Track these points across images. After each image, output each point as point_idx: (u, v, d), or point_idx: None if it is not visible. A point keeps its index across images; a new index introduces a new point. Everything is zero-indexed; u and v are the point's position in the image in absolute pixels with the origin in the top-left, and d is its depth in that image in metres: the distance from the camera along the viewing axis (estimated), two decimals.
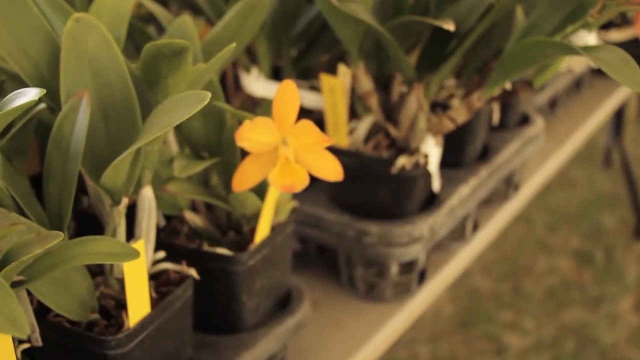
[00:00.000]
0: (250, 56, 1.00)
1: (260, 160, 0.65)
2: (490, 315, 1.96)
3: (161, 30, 0.95)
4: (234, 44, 0.63)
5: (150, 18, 0.99)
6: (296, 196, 0.84)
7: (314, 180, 0.67)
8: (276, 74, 1.02)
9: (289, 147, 0.64)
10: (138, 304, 0.65)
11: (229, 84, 1.05)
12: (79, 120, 0.62)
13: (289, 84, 0.63)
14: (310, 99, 0.96)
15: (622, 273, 2.09)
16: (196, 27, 0.98)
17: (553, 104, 1.47)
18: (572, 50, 0.70)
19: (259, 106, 0.98)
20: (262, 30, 0.95)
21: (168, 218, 0.81)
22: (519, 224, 2.25)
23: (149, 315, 0.66)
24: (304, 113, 0.99)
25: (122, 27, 0.74)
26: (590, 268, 2.11)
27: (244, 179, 0.66)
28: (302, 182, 0.63)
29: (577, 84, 1.55)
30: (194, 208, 0.79)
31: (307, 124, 0.63)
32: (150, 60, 0.66)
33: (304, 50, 1.00)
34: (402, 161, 0.88)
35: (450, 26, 0.76)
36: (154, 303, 0.68)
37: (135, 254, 0.59)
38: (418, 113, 0.85)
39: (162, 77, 0.67)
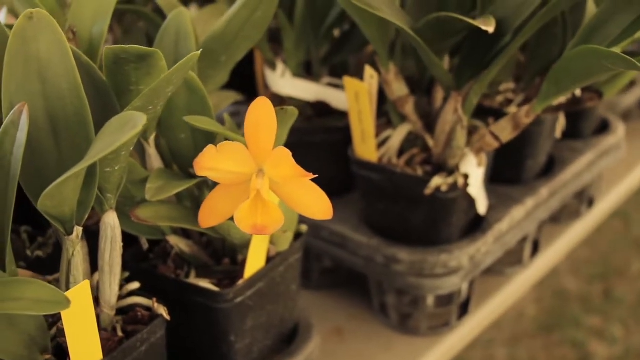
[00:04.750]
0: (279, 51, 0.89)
1: (232, 191, 0.54)
2: (576, 320, 1.85)
3: None
4: (197, 52, 0.52)
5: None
6: None
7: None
8: (309, 71, 0.90)
9: (263, 179, 0.52)
10: (85, 351, 0.55)
11: (258, 81, 0.93)
12: (17, 137, 0.52)
13: (264, 102, 0.51)
14: (345, 101, 0.84)
15: None
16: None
17: None
18: (634, 66, 0.56)
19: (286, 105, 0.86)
20: (290, 22, 0.84)
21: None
22: (615, 220, 2.10)
23: None
24: (339, 115, 0.88)
25: (105, 21, 0.64)
26: None
27: (212, 213, 0.55)
28: (277, 222, 0.51)
29: None
30: (184, 230, 0.69)
31: (284, 153, 0.51)
32: (113, 65, 0.56)
33: (336, 45, 0.88)
34: (437, 181, 0.74)
35: (489, 27, 0.62)
36: (114, 346, 0.59)
37: (65, 304, 0.49)
38: (456, 127, 0.72)
39: (132, 84, 0.57)
